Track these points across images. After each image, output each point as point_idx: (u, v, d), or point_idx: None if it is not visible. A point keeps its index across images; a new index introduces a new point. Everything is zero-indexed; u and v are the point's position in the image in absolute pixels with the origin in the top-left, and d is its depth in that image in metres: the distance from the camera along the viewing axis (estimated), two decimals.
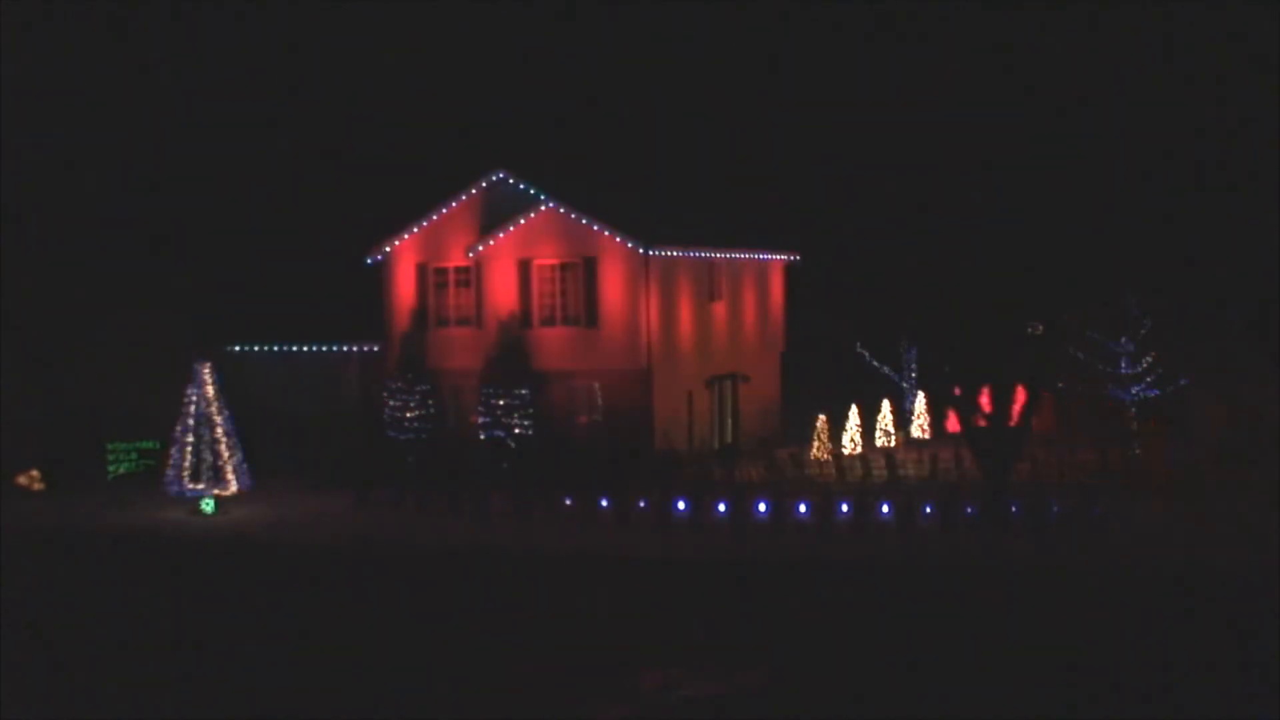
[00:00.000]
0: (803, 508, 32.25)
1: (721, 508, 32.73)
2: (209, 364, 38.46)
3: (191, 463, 37.06)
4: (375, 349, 44.04)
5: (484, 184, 42.58)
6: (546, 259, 41.69)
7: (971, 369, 33.59)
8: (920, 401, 46.83)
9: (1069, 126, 30.58)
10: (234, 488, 37.18)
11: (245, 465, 38.54)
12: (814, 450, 41.55)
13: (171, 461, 37.64)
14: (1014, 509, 31.69)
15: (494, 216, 42.20)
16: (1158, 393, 40.63)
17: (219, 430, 37.11)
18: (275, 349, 45.33)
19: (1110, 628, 24.13)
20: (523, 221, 41.61)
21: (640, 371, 40.82)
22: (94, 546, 32.95)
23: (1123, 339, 40.14)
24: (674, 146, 55.17)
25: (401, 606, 27.06)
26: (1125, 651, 22.50)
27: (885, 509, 31.77)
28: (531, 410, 40.44)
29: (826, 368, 48.74)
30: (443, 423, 41.83)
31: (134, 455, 42.17)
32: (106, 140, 56.52)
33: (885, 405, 45.14)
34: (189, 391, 37.43)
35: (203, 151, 58.25)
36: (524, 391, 40.32)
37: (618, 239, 40.49)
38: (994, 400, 33.83)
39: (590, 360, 41.21)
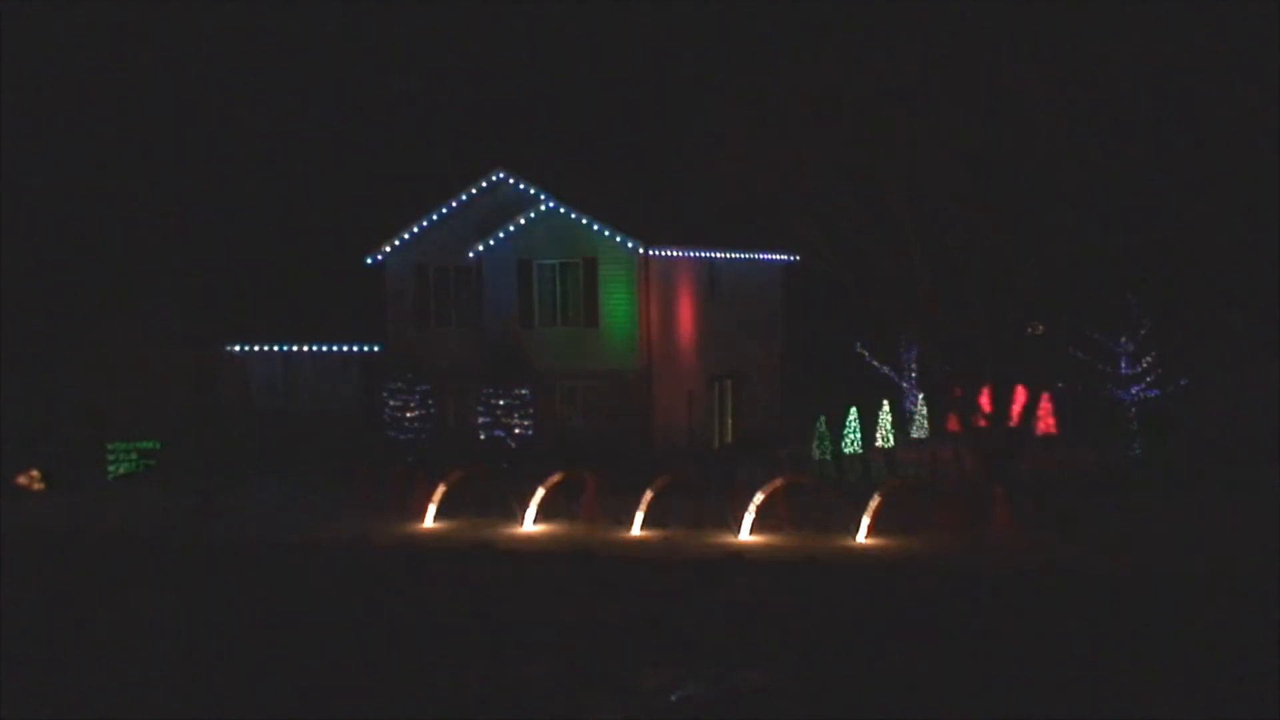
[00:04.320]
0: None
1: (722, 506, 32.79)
2: (210, 364, 38.52)
3: (193, 463, 37.05)
4: (375, 349, 44.05)
5: (484, 184, 42.57)
6: (546, 259, 41.68)
7: (971, 369, 33.59)
8: (920, 401, 46.84)
9: (1070, 124, 30.53)
10: (233, 488, 37.18)
11: (246, 465, 38.54)
12: (814, 450, 41.52)
13: (172, 461, 37.63)
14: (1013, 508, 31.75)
15: (494, 216, 42.19)
16: (1158, 393, 40.65)
17: (218, 430, 37.11)
18: (275, 349, 45.33)
19: (1109, 627, 24.14)
20: (523, 221, 41.60)
21: (640, 371, 40.81)
22: (94, 546, 32.93)
23: (1123, 339, 40.16)
24: (674, 146, 55.22)
25: (403, 605, 27.06)
26: (1124, 651, 22.51)
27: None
28: (531, 410, 40.44)
29: (826, 368, 48.73)
30: (443, 423, 41.83)
31: (134, 455, 42.16)
32: (107, 140, 56.55)
33: (885, 405, 45.14)
34: (189, 391, 37.42)
35: (203, 151, 58.29)
36: (524, 391, 40.31)
37: (618, 239, 40.48)
38: (994, 400, 33.81)
39: (590, 360, 41.20)
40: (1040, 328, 35.25)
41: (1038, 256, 32.06)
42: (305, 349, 45.03)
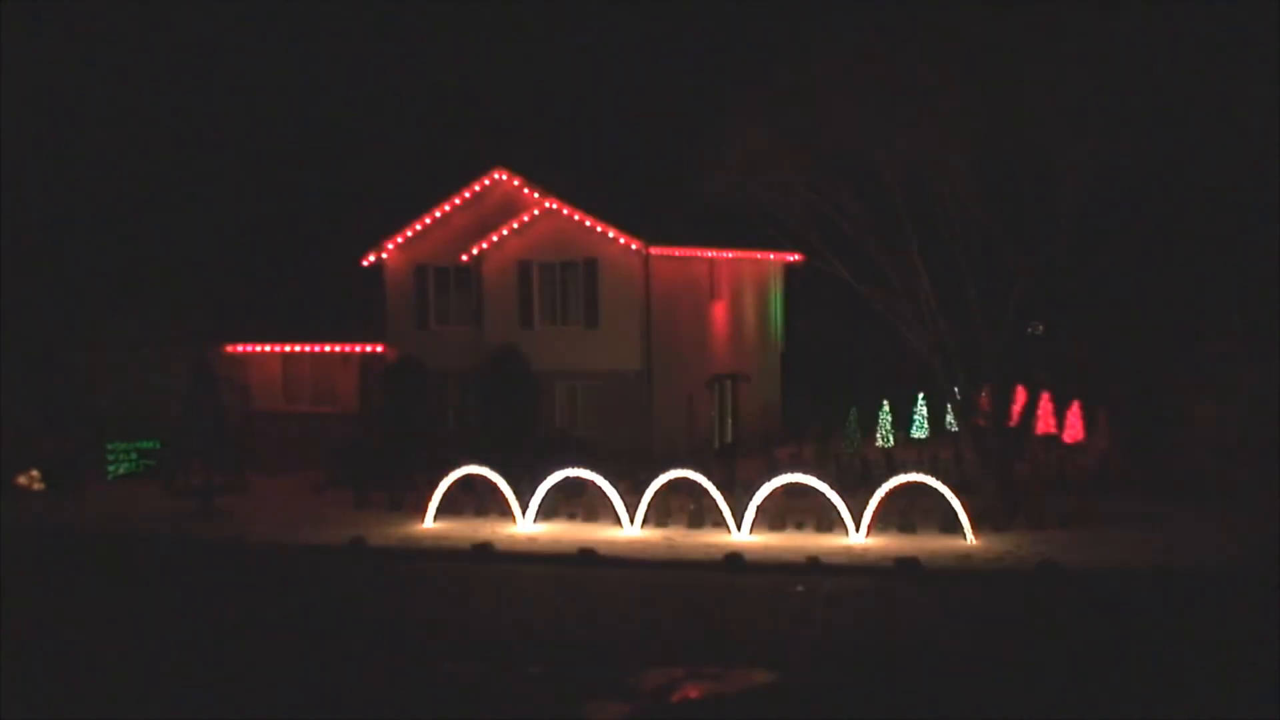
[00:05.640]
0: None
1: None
2: (210, 363, 38.52)
3: (192, 462, 37.00)
4: (375, 349, 44.07)
5: (483, 183, 42.61)
6: (546, 259, 41.71)
7: (971, 369, 33.61)
8: (920, 401, 46.82)
9: (1061, 122, 30.57)
10: (233, 488, 37.17)
11: (244, 465, 38.50)
12: (814, 450, 41.55)
13: (172, 461, 37.63)
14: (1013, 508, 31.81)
15: (494, 216, 42.24)
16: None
17: (218, 430, 37.08)
18: (275, 349, 45.33)
19: (1109, 627, 24.15)
20: (523, 221, 41.62)
21: (640, 371, 40.83)
22: (94, 546, 32.96)
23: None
24: (675, 146, 55.18)
25: (403, 605, 27.09)
26: (1123, 652, 22.53)
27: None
28: (531, 410, 40.43)
29: (826, 368, 48.75)
30: (442, 423, 41.84)
31: (134, 455, 42.20)
32: (106, 139, 56.55)
33: (885, 405, 45.12)
34: (191, 391, 37.38)
35: (202, 151, 58.29)
36: (524, 392, 40.31)
37: (618, 239, 40.50)
38: (994, 400, 33.82)
39: (590, 360, 41.23)
40: (1040, 328, 35.28)
41: (1038, 256, 32.07)
42: (305, 349, 45.04)
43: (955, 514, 30.52)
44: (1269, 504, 32.67)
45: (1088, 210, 31.70)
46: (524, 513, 33.30)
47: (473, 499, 34.80)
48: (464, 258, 42.29)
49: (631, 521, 32.48)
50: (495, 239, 41.93)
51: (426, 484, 34.88)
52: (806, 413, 45.04)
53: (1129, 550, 28.84)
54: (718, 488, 32.59)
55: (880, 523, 31.10)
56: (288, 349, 45.26)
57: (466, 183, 42.85)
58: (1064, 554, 28.52)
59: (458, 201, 42.88)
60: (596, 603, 26.90)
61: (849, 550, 29.68)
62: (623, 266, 40.77)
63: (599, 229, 40.76)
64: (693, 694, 20.59)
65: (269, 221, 56.59)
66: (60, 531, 34.34)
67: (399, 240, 43.49)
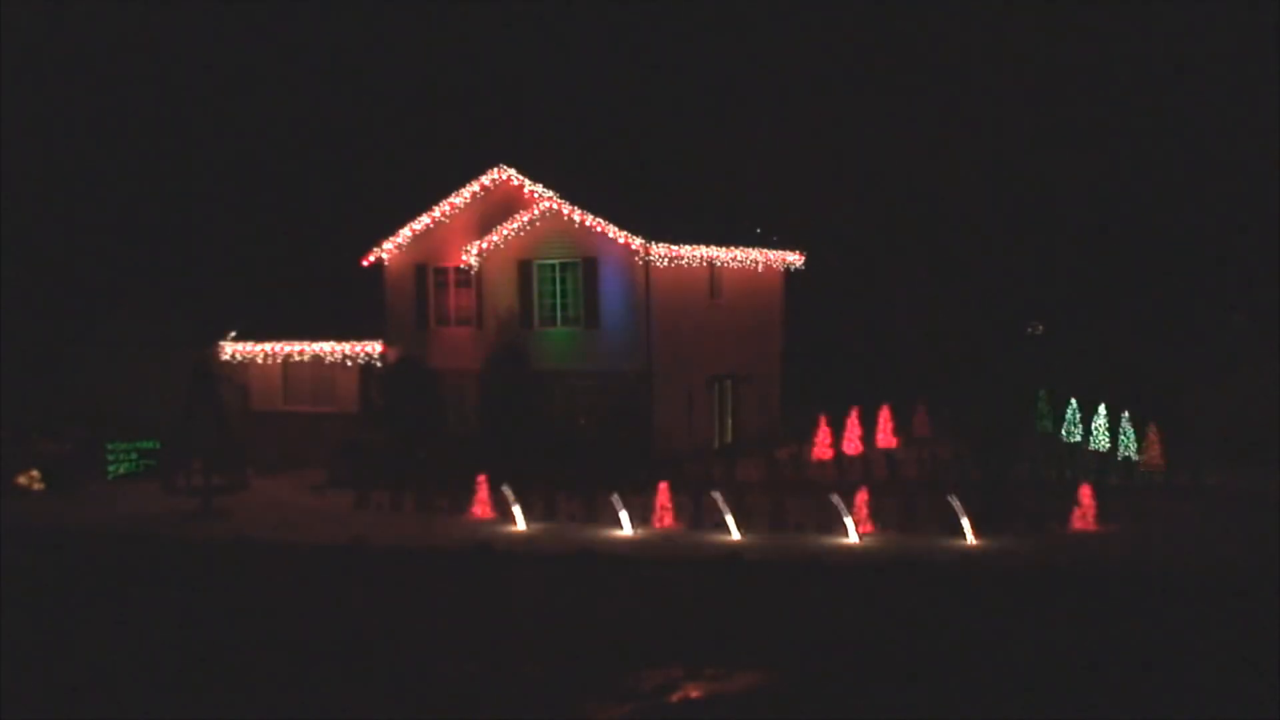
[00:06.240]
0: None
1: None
2: (209, 363, 38.57)
3: (192, 462, 37.01)
4: (375, 349, 44.06)
5: (484, 183, 42.59)
6: (546, 259, 41.69)
7: (970, 369, 33.64)
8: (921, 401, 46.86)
9: (1069, 124, 30.61)
10: (233, 488, 37.18)
11: (244, 465, 38.51)
12: (814, 450, 41.54)
13: (172, 461, 37.65)
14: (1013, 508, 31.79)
15: (494, 216, 42.22)
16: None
17: (218, 430, 37.07)
18: (275, 349, 45.32)
19: (1108, 628, 24.14)
20: (523, 221, 41.61)
21: (640, 371, 40.81)
22: (94, 546, 32.96)
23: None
24: (674, 146, 55.23)
25: (403, 606, 27.08)
26: (1123, 652, 22.52)
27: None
28: (531, 411, 40.41)
29: (826, 368, 48.71)
30: (443, 423, 41.83)
31: (134, 455, 42.19)
32: (107, 140, 56.58)
33: (885, 405, 45.15)
34: (191, 391, 37.40)
35: (203, 151, 58.33)
36: (524, 392, 40.29)
37: (618, 239, 40.48)
38: (991, 399, 33.82)
39: (590, 360, 41.21)
40: (1040, 327, 35.28)
41: (1038, 256, 32.10)
42: (305, 349, 45.03)
43: (955, 514, 30.51)
44: (1269, 504, 32.65)
45: (1088, 211, 31.72)
46: (524, 513, 33.29)
47: (473, 499, 34.79)
48: (464, 258, 42.30)
49: (631, 521, 32.45)
50: (495, 239, 41.92)
51: (426, 484, 34.85)
52: (806, 413, 44.91)
53: (1128, 550, 28.83)
54: (718, 488, 32.56)
55: (880, 522, 31.08)
56: (288, 349, 45.27)
57: (467, 182, 42.82)
58: (1063, 554, 28.51)
59: (458, 201, 42.86)
60: (596, 603, 26.90)
61: (849, 550, 29.67)
62: (623, 266, 40.75)
63: (599, 228, 40.74)
64: (693, 694, 20.59)
65: (269, 221, 56.63)
66: (60, 531, 34.33)
67: (399, 240, 43.48)
